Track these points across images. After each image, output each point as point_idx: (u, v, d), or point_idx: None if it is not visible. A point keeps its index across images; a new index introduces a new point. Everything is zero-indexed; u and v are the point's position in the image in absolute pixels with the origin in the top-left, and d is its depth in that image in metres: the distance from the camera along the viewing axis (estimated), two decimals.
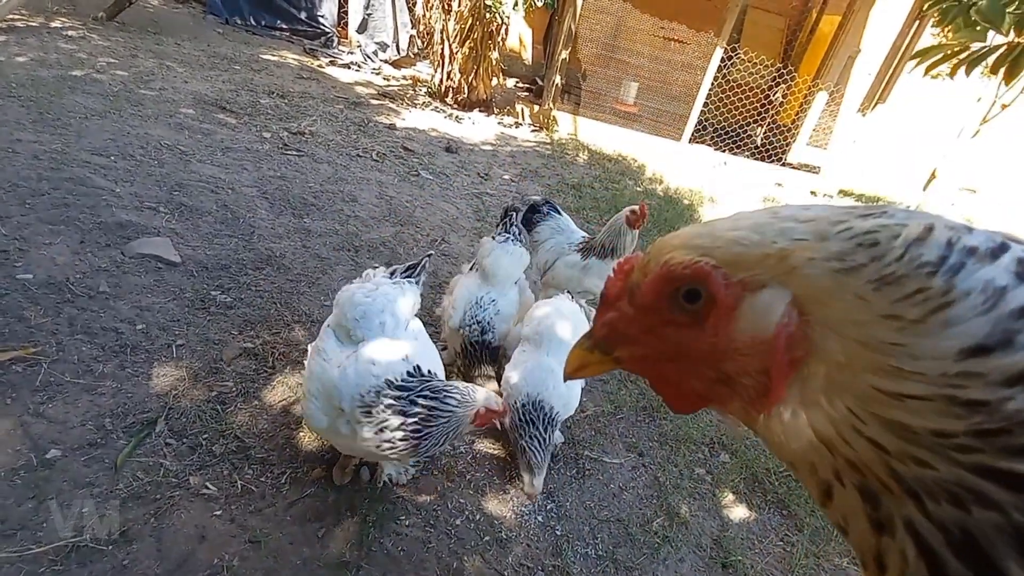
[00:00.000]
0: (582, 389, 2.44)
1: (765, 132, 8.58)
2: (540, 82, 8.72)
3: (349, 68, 7.80)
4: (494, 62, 7.20)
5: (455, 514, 2.09)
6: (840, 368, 0.36)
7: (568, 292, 2.77)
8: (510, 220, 2.70)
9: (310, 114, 5.49)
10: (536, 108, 7.66)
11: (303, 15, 8.27)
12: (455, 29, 6.83)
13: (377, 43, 8.51)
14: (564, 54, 7.41)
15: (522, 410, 2.15)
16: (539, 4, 7.71)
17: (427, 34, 7.88)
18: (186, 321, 2.55)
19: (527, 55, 9.99)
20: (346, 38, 8.63)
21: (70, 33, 5.69)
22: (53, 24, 5.80)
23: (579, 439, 2.56)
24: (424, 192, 4.64)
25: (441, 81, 7.31)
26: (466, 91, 7.27)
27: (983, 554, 0.30)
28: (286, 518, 1.90)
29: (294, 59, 7.32)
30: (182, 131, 4.31)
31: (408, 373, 1.74)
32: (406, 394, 1.69)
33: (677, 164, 7.31)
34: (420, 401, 1.69)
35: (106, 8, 6.45)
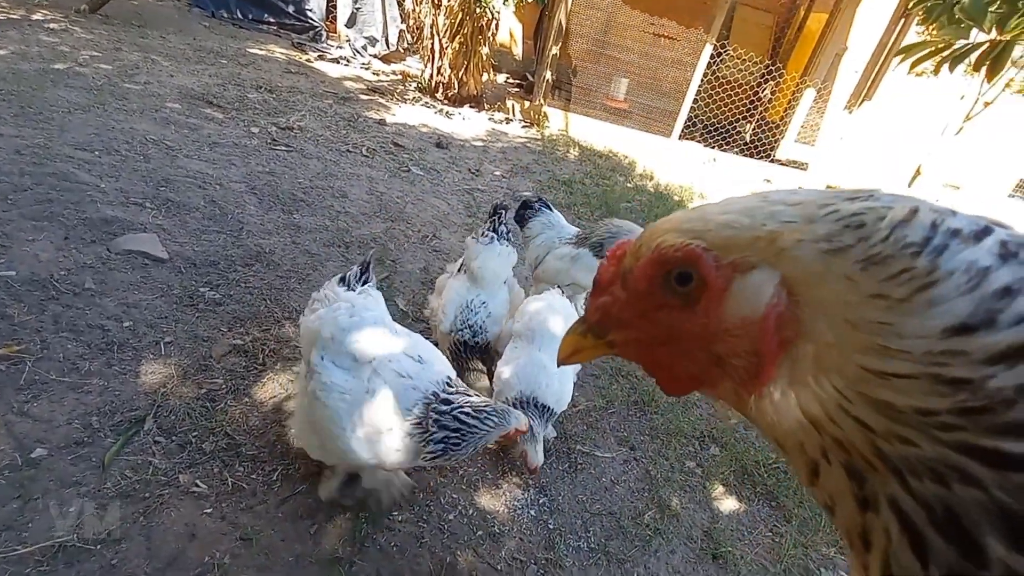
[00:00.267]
0: (574, 384, 2.45)
1: (754, 129, 8.65)
2: (531, 78, 8.71)
3: (338, 63, 7.73)
4: (484, 57, 7.18)
5: (448, 509, 2.09)
6: (828, 348, 0.36)
7: (558, 286, 2.77)
8: (498, 219, 2.64)
9: (299, 109, 5.44)
10: (527, 104, 7.65)
11: (291, 8, 8.19)
12: (445, 24, 6.80)
13: (366, 37, 8.44)
14: (555, 49, 7.41)
15: (515, 406, 2.15)
16: None
17: (417, 29, 7.83)
18: (174, 318, 2.52)
19: (517, 50, 9.98)
20: (335, 32, 8.56)
21: (52, 26, 5.59)
22: (34, 16, 5.69)
23: (571, 434, 2.57)
24: (415, 188, 4.62)
25: (431, 76, 7.27)
26: (456, 86, 7.24)
27: (964, 530, 0.31)
28: (278, 515, 1.88)
29: (282, 53, 7.24)
30: (168, 126, 4.25)
31: (447, 383, 1.78)
32: (450, 408, 1.72)
33: (667, 160, 7.34)
34: (464, 418, 1.72)
35: (89, 0, 6.33)
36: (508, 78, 9.58)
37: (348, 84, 6.86)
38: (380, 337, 1.78)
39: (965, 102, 6.83)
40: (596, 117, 7.88)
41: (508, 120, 7.39)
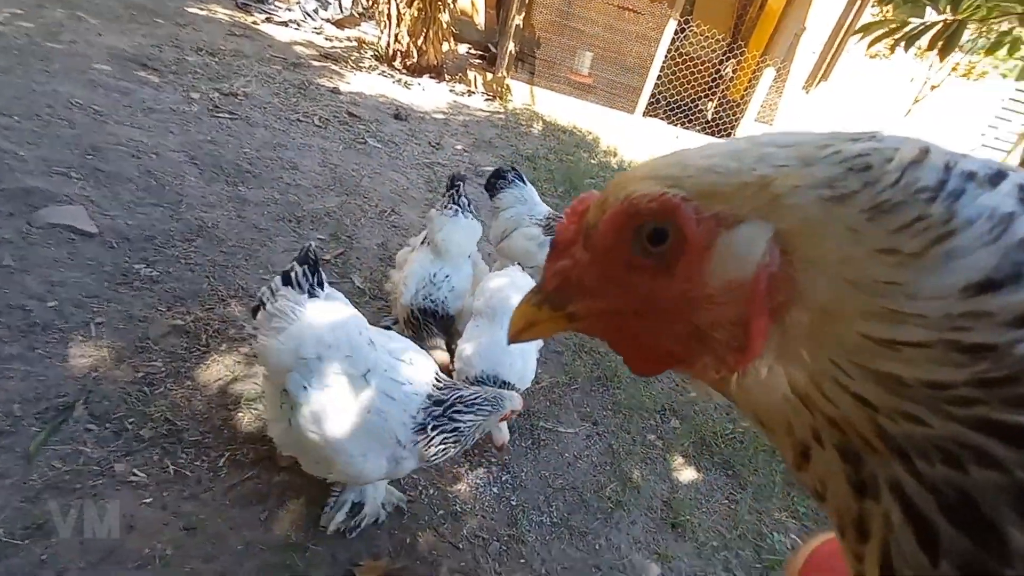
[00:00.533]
0: (537, 360, 2.42)
1: (716, 107, 8.72)
2: (493, 49, 8.46)
3: (287, 26, 7.27)
4: (444, 25, 6.89)
5: (406, 489, 2.03)
6: (825, 315, 0.31)
7: (520, 264, 2.71)
8: (456, 190, 2.57)
9: (244, 74, 5.09)
10: (489, 76, 7.43)
11: None
12: None
13: (318, 0, 7.96)
14: (518, 20, 7.20)
15: (477, 384, 2.10)
16: None
17: None
18: (106, 297, 2.33)
19: (479, 19, 9.64)
20: None
21: None
22: None
23: (534, 410, 2.55)
24: (372, 161, 4.42)
25: (388, 44, 6.94)
26: (415, 55, 6.94)
27: (981, 518, 0.26)
28: (225, 502, 1.78)
29: (225, 14, 6.74)
30: (96, 89, 3.88)
31: (435, 379, 1.75)
32: (443, 408, 1.70)
33: (630, 137, 7.32)
34: (458, 416, 1.71)
35: None
36: (470, 48, 9.27)
37: (298, 49, 6.47)
38: (367, 346, 1.65)
39: (914, 85, 7.08)
40: (560, 91, 7.75)
41: (470, 92, 7.17)
